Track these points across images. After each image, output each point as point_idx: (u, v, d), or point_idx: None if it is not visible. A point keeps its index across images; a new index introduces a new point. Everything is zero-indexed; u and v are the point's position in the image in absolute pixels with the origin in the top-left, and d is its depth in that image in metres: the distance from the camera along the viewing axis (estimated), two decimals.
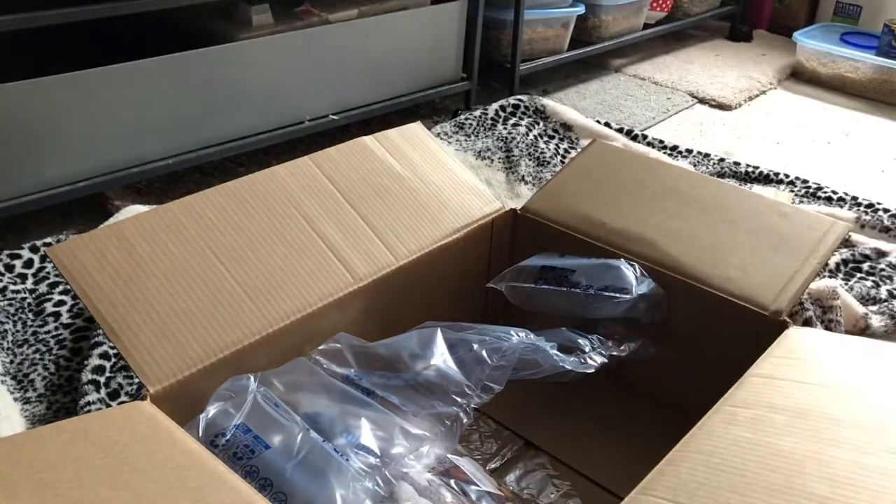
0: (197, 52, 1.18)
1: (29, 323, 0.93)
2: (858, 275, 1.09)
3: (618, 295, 0.72)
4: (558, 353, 0.65)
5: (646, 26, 1.98)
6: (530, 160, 1.42)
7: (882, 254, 1.11)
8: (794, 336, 0.63)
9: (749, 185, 1.40)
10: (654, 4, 1.99)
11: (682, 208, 0.80)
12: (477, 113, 1.55)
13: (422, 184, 0.80)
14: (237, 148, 1.27)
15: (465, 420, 0.60)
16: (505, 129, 1.51)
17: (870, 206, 1.28)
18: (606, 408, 0.81)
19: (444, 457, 0.59)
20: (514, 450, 0.76)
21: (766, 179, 1.39)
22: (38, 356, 0.88)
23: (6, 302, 0.95)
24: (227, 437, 0.54)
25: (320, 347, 0.65)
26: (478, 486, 0.59)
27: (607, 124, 1.58)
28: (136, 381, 0.81)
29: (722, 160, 1.48)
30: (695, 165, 1.46)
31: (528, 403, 0.79)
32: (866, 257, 1.11)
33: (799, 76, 2.04)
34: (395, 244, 0.74)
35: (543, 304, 0.76)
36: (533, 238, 0.83)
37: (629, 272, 0.74)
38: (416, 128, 0.86)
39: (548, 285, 0.76)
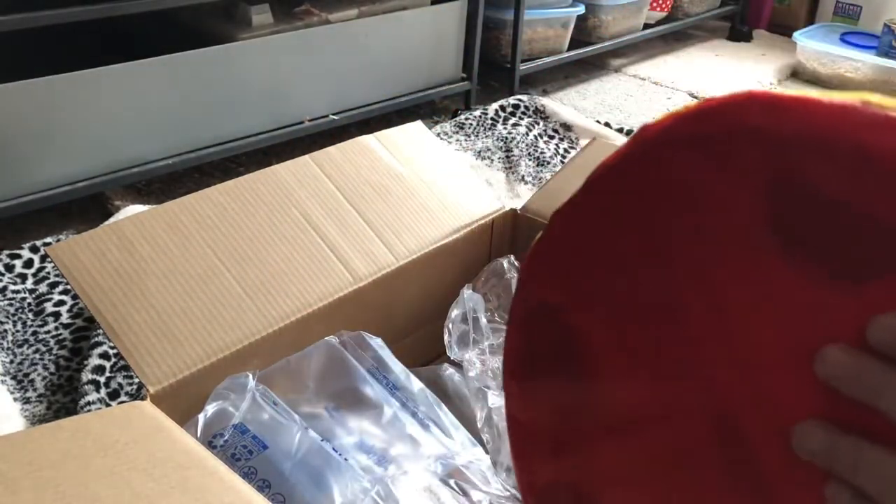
0: (197, 52, 1.18)
1: (29, 323, 0.93)
2: None
3: None
4: None
5: (646, 26, 1.98)
6: (530, 160, 1.42)
7: None
8: None
9: None
10: (654, 4, 1.99)
11: None
12: (477, 113, 1.55)
13: (422, 183, 0.80)
14: (237, 148, 1.27)
15: None
16: (505, 128, 1.51)
17: None
18: None
19: (447, 458, 0.59)
20: None
21: None
22: (38, 356, 0.88)
23: (6, 302, 0.95)
24: (226, 438, 0.54)
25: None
26: (480, 489, 0.58)
27: (607, 124, 1.58)
28: (136, 381, 0.81)
29: None
30: None
31: None
32: None
33: (799, 76, 2.04)
34: (396, 244, 0.74)
35: None
36: (533, 238, 0.83)
37: None
38: (416, 127, 0.86)
39: None
